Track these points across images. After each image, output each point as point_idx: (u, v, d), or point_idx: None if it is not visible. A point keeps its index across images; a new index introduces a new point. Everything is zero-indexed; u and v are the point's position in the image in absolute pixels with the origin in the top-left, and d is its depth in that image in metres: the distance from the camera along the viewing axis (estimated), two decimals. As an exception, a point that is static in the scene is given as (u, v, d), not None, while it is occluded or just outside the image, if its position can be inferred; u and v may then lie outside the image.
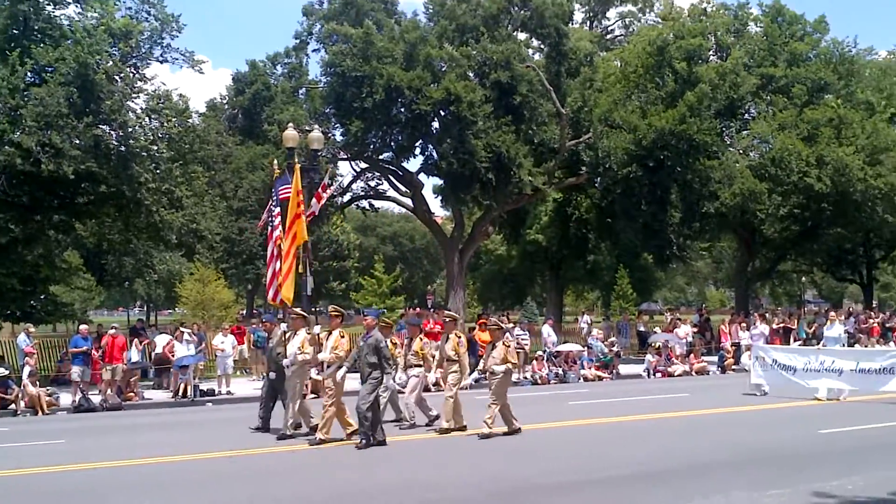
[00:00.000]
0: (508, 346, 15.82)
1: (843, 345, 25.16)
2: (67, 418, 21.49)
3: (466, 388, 16.68)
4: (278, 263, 17.83)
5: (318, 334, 15.94)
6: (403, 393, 17.41)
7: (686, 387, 24.93)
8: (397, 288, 55.85)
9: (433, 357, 17.75)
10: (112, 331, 24.99)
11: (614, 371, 29.56)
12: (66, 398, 23.40)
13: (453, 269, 36.40)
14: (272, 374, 16.52)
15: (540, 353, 29.64)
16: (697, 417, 18.23)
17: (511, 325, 29.54)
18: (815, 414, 18.29)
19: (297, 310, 16.76)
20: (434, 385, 25.84)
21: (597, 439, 15.46)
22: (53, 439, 16.65)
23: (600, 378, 28.75)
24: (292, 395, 15.77)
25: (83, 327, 26.15)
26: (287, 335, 16.25)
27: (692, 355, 31.30)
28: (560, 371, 28.53)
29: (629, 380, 29.12)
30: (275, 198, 19.39)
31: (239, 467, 13.19)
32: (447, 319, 17.52)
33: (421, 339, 17.98)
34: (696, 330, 34.74)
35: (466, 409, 16.13)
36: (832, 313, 28.57)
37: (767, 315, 35.56)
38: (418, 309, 44.38)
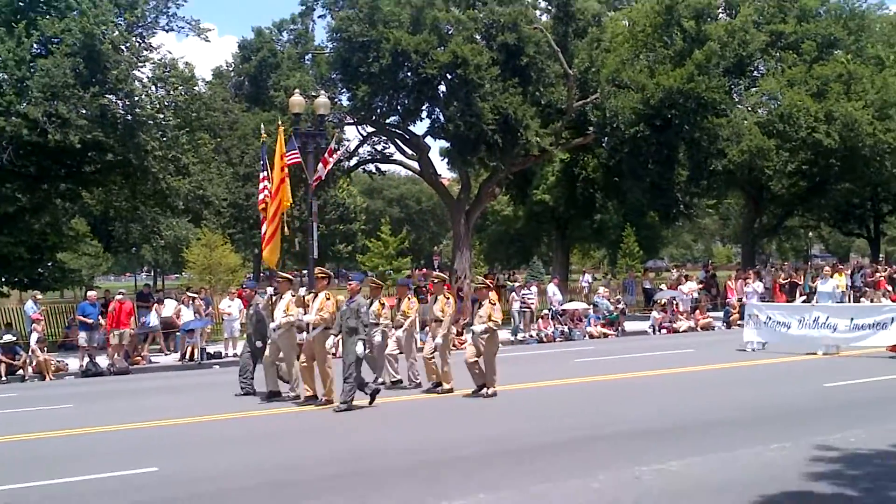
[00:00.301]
0: (494, 305, 15.74)
1: (838, 300, 24.99)
2: (75, 383, 21.80)
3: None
4: (264, 227, 17.82)
5: (304, 296, 15.94)
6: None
7: (691, 342, 25.13)
8: (404, 250, 56.04)
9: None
10: (119, 296, 25.21)
11: (620, 328, 29.79)
12: (73, 363, 23.71)
13: (460, 231, 36.50)
14: (258, 343, 16.39)
15: (546, 311, 29.86)
16: (701, 373, 18.39)
17: (517, 283, 29.73)
18: (817, 368, 18.39)
19: (283, 272, 16.72)
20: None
21: (601, 397, 15.59)
22: (61, 404, 16.89)
23: (606, 335, 29.01)
24: (288, 358, 15.72)
25: (91, 294, 26.38)
26: (274, 299, 16.20)
27: (697, 311, 31.45)
28: (566, 329, 28.75)
29: (635, 336, 29.34)
30: (263, 162, 19.18)
31: (246, 430, 13.40)
32: (435, 280, 17.38)
33: (409, 300, 17.89)
34: (701, 286, 34.87)
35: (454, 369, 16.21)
36: (826, 268, 28.19)
37: (762, 271, 35.62)
38: (424, 270, 44.58)
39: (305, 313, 15.36)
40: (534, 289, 31.50)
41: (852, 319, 20.64)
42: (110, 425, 14.02)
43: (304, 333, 15.60)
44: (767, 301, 29.51)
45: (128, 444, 12.60)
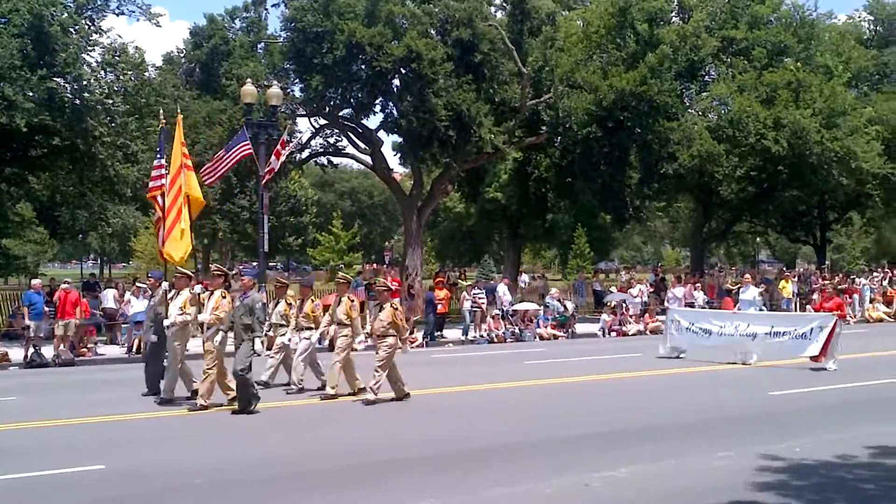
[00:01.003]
0: (396, 309, 15.44)
1: (759, 308, 24.75)
2: (19, 374, 21.31)
3: (357, 351, 15.98)
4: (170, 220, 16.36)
5: (198, 294, 15.37)
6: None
7: (640, 346, 25.19)
8: (355, 244, 55.78)
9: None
10: (65, 286, 24.73)
11: (570, 330, 29.90)
12: (16, 353, 23.21)
13: (411, 227, 36.34)
14: (153, 338, 15.84)
15: (496, 311, 29.85)
16: (648, 378, 18.50)
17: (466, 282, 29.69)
18: (762, 376, 18.53)
19: (182, 268, 15.91)
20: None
21: (552, 400, 15.61)
22: (4, 396, 16.48)
23: (556, 337, 29.06)
24: (173, 357, 15.06)
25: (35, 282, 25.87)
26: (170, 295, 15.46)
27: (647, 315, 31.64)
28: (516, 330, 28.78)
29: (585, 339, 29.46)
30: (159, 149, 17.95)
31: (190, 426, 13.18)
32: (340, 282, 16.60)
33: (312, 301, 17.30)
34: (652, 289, 35.09)
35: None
36: (746, 275, 27.66)
37: (683, 276, 35.88)
38: (375, 265, 44.39)
39: (200, 312, 14.83)
40: (483, 288, 31.48)
41: (772, 328, 20.54)
42: (55, 419, 13.72)
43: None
44: (716, 307, 29.79)
45: (74, 439, 12.35)
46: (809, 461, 10.20)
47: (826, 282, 35.58)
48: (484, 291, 30.75)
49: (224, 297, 14.47)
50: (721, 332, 21.15)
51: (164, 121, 17.83)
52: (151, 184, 17.51)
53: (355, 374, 15.75)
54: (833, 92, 38.49)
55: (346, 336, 15.50)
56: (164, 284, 15.88)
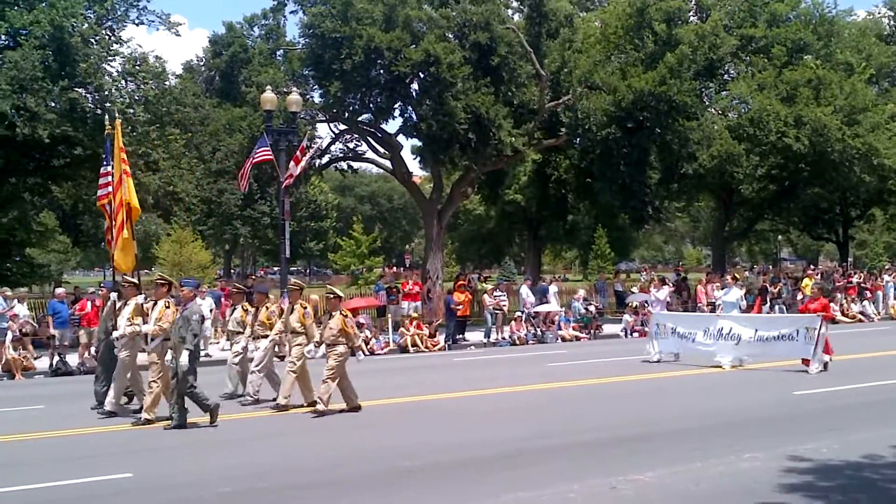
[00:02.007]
0: (346, 317, 14.84)
1: (742, 310, 23.32)
2: (45, 382, 21.47)
3: (313, 358, 15.17)
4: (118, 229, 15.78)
5: (143, 304, 14.63)
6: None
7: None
8: (376, 248, 55.87)
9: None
10: (94, 292, 24.75)
11: (593, 331, 29.89)
12: (41, 362, 23.38)
13: (432, 231, 36.40)
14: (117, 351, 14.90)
15: (518, 313, 29.85)
16: (672, 380, 18.40)
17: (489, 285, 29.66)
18: (786, 376, 18.41)
19: (129, 277, 15.30)
20: (413, 346, 26.19)
21: (575, 403, 15.59)
22: (31, 405, 16.61)
23: (578, 338, 29.04)
24: (121, 368, 14.56)
25: (59, 291, 26.00)
26: (119, 305, 14.93)
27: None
28: (538, 332, 28.76)
29: (607, 340, 29.42)
30: (106, 156, 17.31)
31: (218, 434, 13.24)
32: (293, 289, 15.87)
33: (268, 308, 16.35)
34: (673, 289, 34.90)
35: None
36: (728, 277, 25.90)
37: (667, 278, 35.08)
38: (395, 269, 44.46)
39: (145, 322, 14.28)
40: (504, 290, 31.47)
41: (756, 331, 20.04)
42: (82, 428, 13.83)
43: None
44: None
45: (101, 447, 12.44)
46: (836, 462, 10.16)
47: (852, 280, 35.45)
48: (505, 293, 30.77)
49: (168, 308, 13.99)
50: (706, 335, 20.67)
51: (109, 126, 17.20)
52: (100, 192, 17.21)
53: (310, 385, 15.10)
54: (854, 89, 38.27)
55: (299, 345, 14.90)
56: (113, 295, 15.48)
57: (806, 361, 18.73)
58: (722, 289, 31.25)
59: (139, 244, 63.29)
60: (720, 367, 19.61)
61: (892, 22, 52.34)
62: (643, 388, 17.28)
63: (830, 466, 9.96)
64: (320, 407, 14.15)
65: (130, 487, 9.88)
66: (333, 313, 14.82)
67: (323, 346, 14.63)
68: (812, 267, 46.56)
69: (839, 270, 40.15)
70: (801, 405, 14.60)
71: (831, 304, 27.39)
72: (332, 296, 15.51)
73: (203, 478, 10.25)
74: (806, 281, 35.12)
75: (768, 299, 33.58)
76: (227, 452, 11.86)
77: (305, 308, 15.26)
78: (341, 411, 14.42)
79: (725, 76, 41.65)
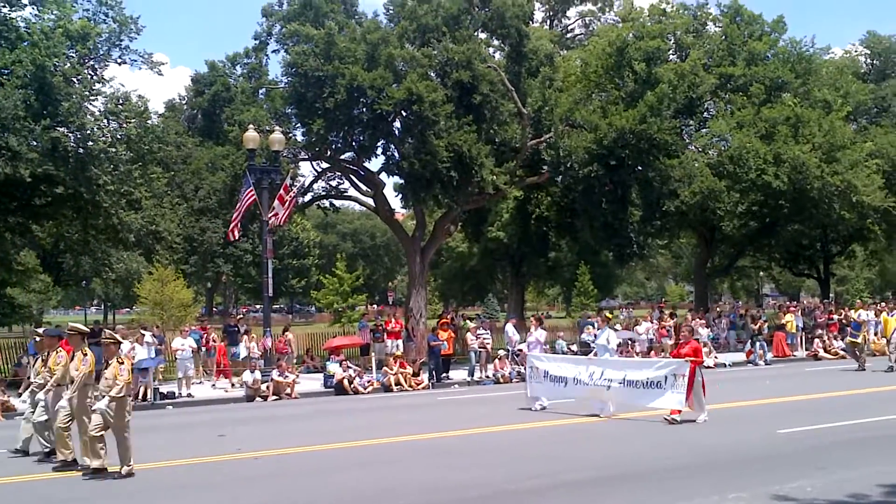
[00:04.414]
0: (122, 363, 13.31)
1: (613, 354, 22.36)
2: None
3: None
4: None
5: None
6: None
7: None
8: (359, 286, 55.76)
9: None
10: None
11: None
12: (20, 402, 23.06)
13: (415, 268, 36.38)
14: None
15: (502, 351, 29.78)
16: (653, 418, 18.32)
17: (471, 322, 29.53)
18: (769, 414, 18.44)
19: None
20: (397, 385, 26.09)
21: (558, 442, 15.53)
22: (4, 447, 16.32)
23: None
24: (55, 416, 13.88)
25: (39, 331, 25.73)
26: (43, 355, 14.70)
27: (653, 352, 31.49)
28: (522, 369, 28.64)
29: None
30: None
31: (198, 477, 13.12)
32: (71, 333, 14.22)
33: (57, 353, 14.50)
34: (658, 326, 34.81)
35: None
36: (598, 318, 24.17)
37: (541, 317, 34.31)
38: (381, 306, 44.38)
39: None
40: (488, 328, 31.41)
41: (625, 376, 18.33)
42: (61, 472, 13.59)
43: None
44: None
45: (80, 490, 12.32)
46: (821, 501, 10.16)
47: (829, 316, 35.51)
48: (489, 331, 30.74)
49: (85, 355, 13.54)
50: (577, 380, 19.14)
51: None
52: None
53: (68, 441, 13.66)
54: (832, 126, 38.62)
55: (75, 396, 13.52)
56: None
57: (675, 412, 17.11)
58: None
59: (120, 283, 63.41)
60: (594, 415, 18.25)
61: (868, 60, 53.02)
62: (626, 426, 17.22)
63: (815, 505, 9.95)
64: (124, 469, 12.94)
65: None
66: (110, 361, 13.28)
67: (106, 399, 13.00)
68: (793, 303, 46.71)
69: (821, 307, 40.32)
70: (784, 444, 14.57)
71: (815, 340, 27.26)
72: (109, 341, 13.80)
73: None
74: (789, 317, 35.31)
75: (749, 336, 33.70)
76: (211, 495, 11.71)
77: (86, 355, 13.63)
78: (92, 472, 12.99)
79: (705, 114, 42.01)
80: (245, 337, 28.57)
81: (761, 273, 74.79)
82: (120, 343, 14.37)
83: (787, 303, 46.74)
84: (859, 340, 29.36)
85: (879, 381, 24.17)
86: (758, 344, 32.76)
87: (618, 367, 18.94)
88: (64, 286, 66.63)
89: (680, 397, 17.07)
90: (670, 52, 40.10)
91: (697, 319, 34.05)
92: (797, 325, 35.17)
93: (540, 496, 10.98)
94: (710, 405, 19.19)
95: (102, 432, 13.01)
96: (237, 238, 29.42)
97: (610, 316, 25.04)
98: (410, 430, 16.91)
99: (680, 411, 16.98)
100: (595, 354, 21.54)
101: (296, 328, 38.02)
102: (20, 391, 23.20)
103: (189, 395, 25.27)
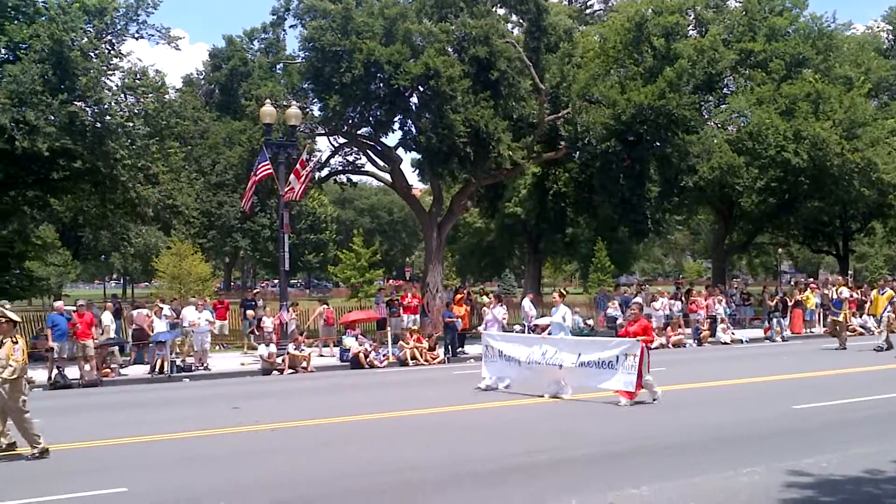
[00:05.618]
0: (17, 343, 12.64)
1: (568, 333, 21.13)
2: (43, 396, 21.35)
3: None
4: None
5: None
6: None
7: (662, 360, 24.98)
8: (376, 261, 55.91)
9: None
10: (82, 305, 24.62)
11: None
12: (40, 375, 23.32)
13: (432, 244, 36.40)
14: None
15: (519, 326, 29.80)
16: (671, 393, 18.29)
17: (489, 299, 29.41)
18: (784, 390, 18.38)
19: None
20: (412, 359, 26.20)
21: (572, 417, 15.52)
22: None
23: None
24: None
25: (58, 304, 25.92)
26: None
27: (669, 328, 31.45)
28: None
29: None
30: None
31: (217, 447, 13.20)
32: (2, 321, 12.97)
33: (13, 341, 12.79)
34: (672, 302, 34.70)
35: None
36: (555, 295, 22.71)
37: (500, 295, 33.71)
38: (399, 281, 44.45)
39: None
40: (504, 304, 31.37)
41: (579, 355, 17.61)
42: (78, 441, 13.79)
43: None
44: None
45: (97, 461, 12.40)
46: (837, 476, 10.11)
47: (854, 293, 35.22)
48: (505, 307, 30.71)
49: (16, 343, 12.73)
50: (529, 360, 18.51)
51: None
52: None
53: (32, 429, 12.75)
54: (853, 103, 38.26)
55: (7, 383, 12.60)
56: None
57: (626, 394, 16.45)
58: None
59: (139, 257, 63.82)
60: (551, 396, 17.51)
61: (890, 36, 52.50)
62: (638, 405, 17.14)
63: (832, 481, 9.91)
64: (36, 450, 12.48)
65: (125, 502, 9.82)
66: (4, 340, 12.63)
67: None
68: (812, 280, 46.47)
69: (839, 283, 40.05)
70: (799, 420, 14.52)
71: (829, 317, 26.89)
72: (2, 320, 12.89)
73: (204, 492, 10.20)
74: (808, 294, 35.10)
75: (767, 313, 33.59)
76: (217, 468, 11.80)
77: (16, 342, 12.75)
78: (33, 456, 12.52)
79: (724, 90, 41.70)
80: (251, 312, 29.13)
81: (779, 250, 74.39)
82: (15, 322, 13.18)
83: (806, 279, 46.45)
84: (840, 318, 28.93)
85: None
86: (775, 320, 32.65)
87: (571, 348, 18.16)
88: (83, 260, 67.18)
89: (630, 378, 16.47)
90: (690, 27, 39.82)
91: (717, 295, 33.93)
92: (816, 302, 34.98)
93: (554, 469, 10.97)
94: (727, 381, 19.23)
95: None
96: (249, 210, 29.55)
97: (565, 293, 23.66)
98: (425, 404, 16.95)
99: (631, 394, 16.36)
100: (549, 332, 20.65)
101: (312, 303, 38.18)
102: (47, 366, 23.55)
103: (206, 368, 25.42)
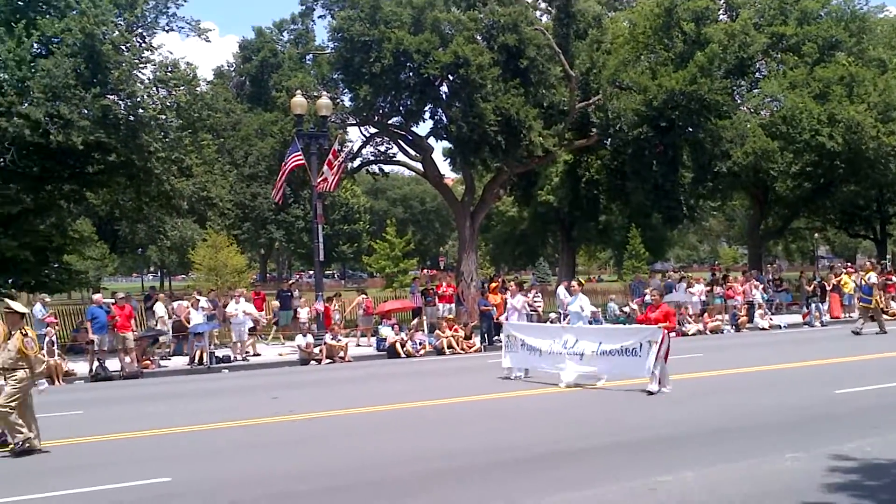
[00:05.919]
0: (26, 335, 12.44)
1: (587, 321, 21.12)
2: (84, 388, 21.60)
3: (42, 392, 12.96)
4: None
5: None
6: None
7: (699, 346, 24.90)
8: (410, 251, 55.93)
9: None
10: (121, 298, 24.74)
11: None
12: (81, 367, 23.56)
13: (465, 233, 36.35)
14: None
15: (554, 314, 29.69)
16: (710, 379, 18.17)
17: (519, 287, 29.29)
18: (825, 375, 18.18)
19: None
20: (449, 348, 26.20)
21: (614, 403, 15.45)
22: (70, 410, 16.68)
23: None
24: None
25: (97, 296, 26.13)
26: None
27: (706, 314, 31.24)
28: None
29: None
30: None
31: (255, 437, 13.26)
32: (6, 312, 13.14)
33: (23, 333, 12.54)
34: (709, 288, 34.43)
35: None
36: (574, 283, 22.65)
37: (521, 283, 33.59)
38: (433, 271, 44.48)
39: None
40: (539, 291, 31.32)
41: (600, 344, 17.42)
42: (120, 433, 13.89)
43: None
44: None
45: (139, 452, 12.48)
46: (881, 460, 9.99)
47: (888, 277, 34.81)
48: (541, 295, 30.64)
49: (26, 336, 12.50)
50: (550, 349, 18.28)
51: None
52: None
53: (26, 422, 12.44)
54: (888, 85, 37.82)
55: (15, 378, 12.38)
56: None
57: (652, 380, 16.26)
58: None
59: (175, 250, 64.45)
60: (564, 385, 17.30)
61: (925, 17, 51.69)
62: (680, 388, 16.94)
63: (875, 465, 9.79)
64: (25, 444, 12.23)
65: (169, 492, 9.88)
66: (13, 332, 12.46)
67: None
68: (849, 264, 45.94)
69: (878, 268, 39.60)
70: (841, 404, 14.35)
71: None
72: (9, 311, 12.84)
73: (243, 481, 10.23)
74: (845, 278, 34.69)
75: (805, 298, 33.28)
76: (264, 456, 11.84)
77: (26, 335, 12.53)
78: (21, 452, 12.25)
79: (757, 74, 41.33)
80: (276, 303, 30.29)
81: (816, 235, 73.67)
82: (23, 315, 13.04)
83: (843, 264, 45.91)
84: (871, 305, 28.42)
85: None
86: (814, 306, 32.32)
87: (592, 336, 18.06)
88: (120, 253, 67.81)
89: (650, 364, 16.18)
90: (720, 11, 39.45)
91: (753, 281, 33.65)
92: (853, 287, 34.56)
93: (595, 454, 10.93)
94: (767, 366, 19.04)
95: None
96: (279, 200, 29.64)
97: (584, 282, 22.97)
98: (462, 392, 16.94)
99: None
100: (568, 322, 20.57)
101: (349, 293, 38.32)
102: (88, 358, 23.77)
103: (245, 359, 25.54)
